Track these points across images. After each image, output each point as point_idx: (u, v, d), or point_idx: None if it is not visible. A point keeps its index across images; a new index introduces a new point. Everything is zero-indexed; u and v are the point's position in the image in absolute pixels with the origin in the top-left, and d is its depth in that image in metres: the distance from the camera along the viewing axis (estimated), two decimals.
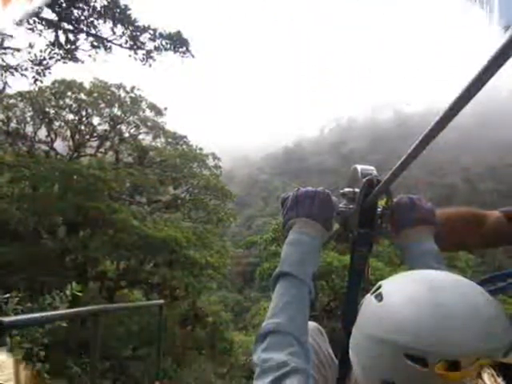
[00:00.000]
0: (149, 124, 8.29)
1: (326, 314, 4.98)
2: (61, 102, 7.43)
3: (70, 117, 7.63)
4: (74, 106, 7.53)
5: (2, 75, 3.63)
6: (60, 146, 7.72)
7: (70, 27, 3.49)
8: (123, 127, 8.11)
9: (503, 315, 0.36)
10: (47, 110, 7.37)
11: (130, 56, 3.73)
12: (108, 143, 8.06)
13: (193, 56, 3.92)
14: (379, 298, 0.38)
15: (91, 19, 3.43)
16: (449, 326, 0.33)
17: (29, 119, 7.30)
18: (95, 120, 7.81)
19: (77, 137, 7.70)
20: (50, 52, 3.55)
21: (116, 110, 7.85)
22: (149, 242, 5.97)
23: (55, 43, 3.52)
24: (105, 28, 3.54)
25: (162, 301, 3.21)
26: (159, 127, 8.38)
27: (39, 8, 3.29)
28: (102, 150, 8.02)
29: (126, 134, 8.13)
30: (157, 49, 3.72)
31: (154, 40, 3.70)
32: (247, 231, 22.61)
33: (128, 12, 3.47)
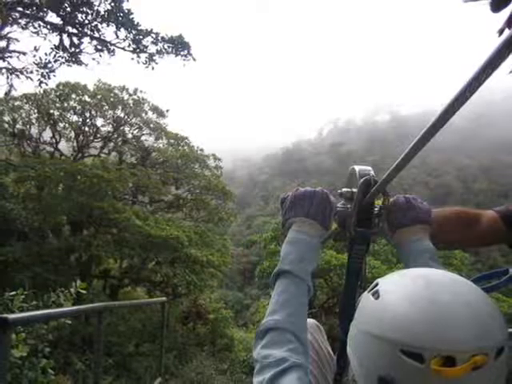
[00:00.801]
0: (151, 125, 8.38)
1: (324, 312, 4.98)
2: (65, 104, 7.54)
3: (74, 118, 7.77)
4: (78, 107, 7.63)
5: (7, 78, 3.70)
6: (64, 146, 7.86)
7: (75, 31, 3.55)
8: (126, 128, 8.22)
9: (497, 312, 0.36)
10: (52, 111, 7.48)
11: (132, 59, 3.77)
12: (111, 144, 8.17)
13: (194, 59, 3.95)
14: (376, 295, 0.39)
15: (95, 23, 3.48)
16: (444, 323, 0.33)
17: (34, 121, 7.42)
18: (99, 121, 7.95)
19: (81, 138, 7.81)
20: (54, 55, 3.61)
21: (119, 112, 7.97)
22: (151, 241, 6.04)
23: (60, 46, 3.58)
24: (108, 32, 3.61)
25: (164, 298, 3.23)
26: (161, 128, 8.46)
27: (44, 12, 3.35)
28: (105, 150, 8.13)
29: (129, 135, 8.24)
30: (159, 52, 3.76)
31: (156, 43, 3.74)
32: (247, 230, 22.81)
33: (131, 16, 3.51)
